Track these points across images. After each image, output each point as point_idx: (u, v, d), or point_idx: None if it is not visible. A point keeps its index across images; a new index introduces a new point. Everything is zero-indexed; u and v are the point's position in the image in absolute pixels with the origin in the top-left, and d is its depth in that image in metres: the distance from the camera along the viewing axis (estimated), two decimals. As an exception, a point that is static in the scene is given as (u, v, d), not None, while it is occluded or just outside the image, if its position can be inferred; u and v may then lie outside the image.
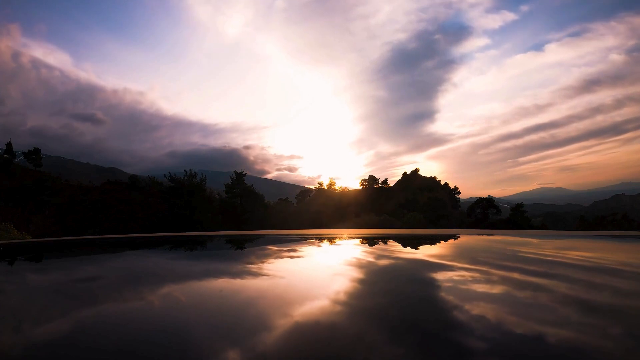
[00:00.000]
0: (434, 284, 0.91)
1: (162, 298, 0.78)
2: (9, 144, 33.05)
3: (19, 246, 2.15)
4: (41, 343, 0.52)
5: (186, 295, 0.80)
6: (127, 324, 0.61)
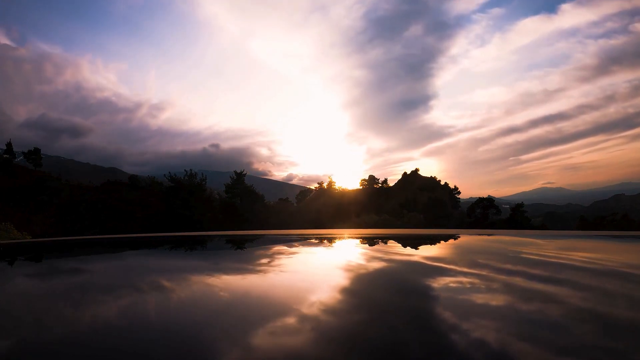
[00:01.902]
0: (428, 294, 0.80)
1: (161, 298, 0.78)
2: (9, 144, 33.04)
3: (19, 246, 2.14)
4: (41, 343, 0.53)
5: (186, 295, 0.80)
6: (127, 323, 0.61)
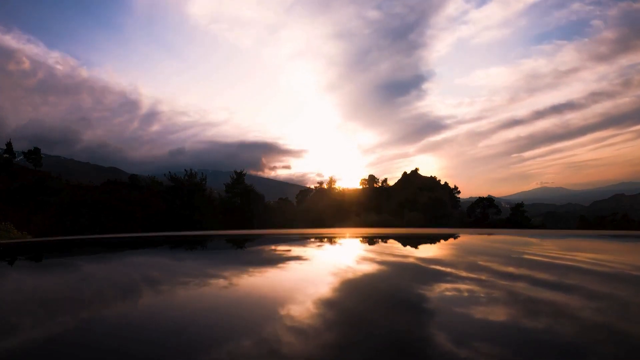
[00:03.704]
0: (420, 308, 0.67)
1: (161, 298, 0.78)
2: (9, 144, 33.08)
3: (19, 246, 2.14)
4: (41, 342, 0.52)
5: (185, 295, 0.80)
6: (127, 323, 0.61)
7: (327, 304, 0.70)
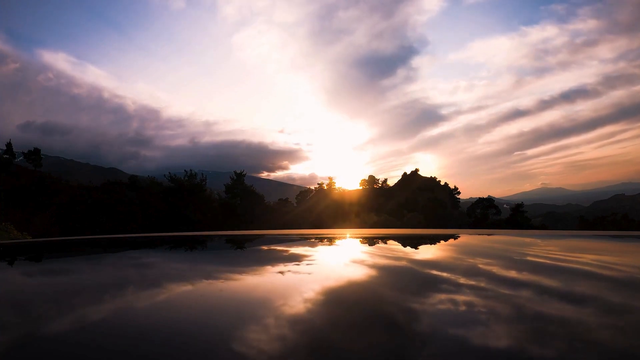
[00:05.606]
0: (407, 330, 0.54)
1: (161, 298, 0.77)
2: (8, 144, 33.14)
3: (19, 246, 2.14)
4: (40, 342, 0.52)
5: (185, 295, 0.79)
6: (127, 323, 0.61)
7: (292, 322, 0.57)
